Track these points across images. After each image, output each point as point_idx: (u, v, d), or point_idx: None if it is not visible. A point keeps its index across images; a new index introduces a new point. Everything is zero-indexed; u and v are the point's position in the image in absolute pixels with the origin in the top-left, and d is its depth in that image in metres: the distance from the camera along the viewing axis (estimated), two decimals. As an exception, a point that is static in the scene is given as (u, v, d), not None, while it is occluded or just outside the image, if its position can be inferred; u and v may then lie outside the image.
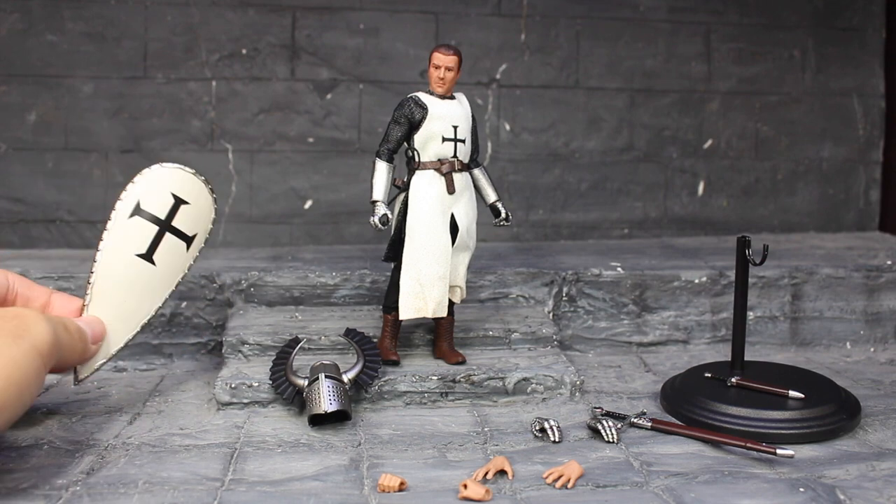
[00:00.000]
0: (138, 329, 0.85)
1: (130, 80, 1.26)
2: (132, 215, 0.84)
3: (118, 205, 0.84)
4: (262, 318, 1.03)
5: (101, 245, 0.84)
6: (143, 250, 0.84)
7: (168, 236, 0.85)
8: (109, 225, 0.84)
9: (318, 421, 0.84)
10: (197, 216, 0.87)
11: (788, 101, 1.42)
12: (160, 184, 0.85)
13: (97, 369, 0.84)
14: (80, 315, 0.83)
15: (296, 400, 0.87)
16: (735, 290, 0.93)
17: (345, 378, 0.86)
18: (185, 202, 0.86)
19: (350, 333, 0.94)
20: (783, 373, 0.95)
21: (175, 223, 0.85)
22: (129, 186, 0.85)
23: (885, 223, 1.45)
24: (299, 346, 0.92)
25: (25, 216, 1.26)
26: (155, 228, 0.85)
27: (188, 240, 0.87)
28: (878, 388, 0.98)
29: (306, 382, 0.85)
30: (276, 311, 1.06)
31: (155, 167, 0.86)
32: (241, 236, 1.30)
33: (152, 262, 0.84)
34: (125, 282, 0.84)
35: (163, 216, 0.85)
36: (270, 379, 0.88)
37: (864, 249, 1.28)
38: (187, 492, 0.70)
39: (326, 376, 0.84)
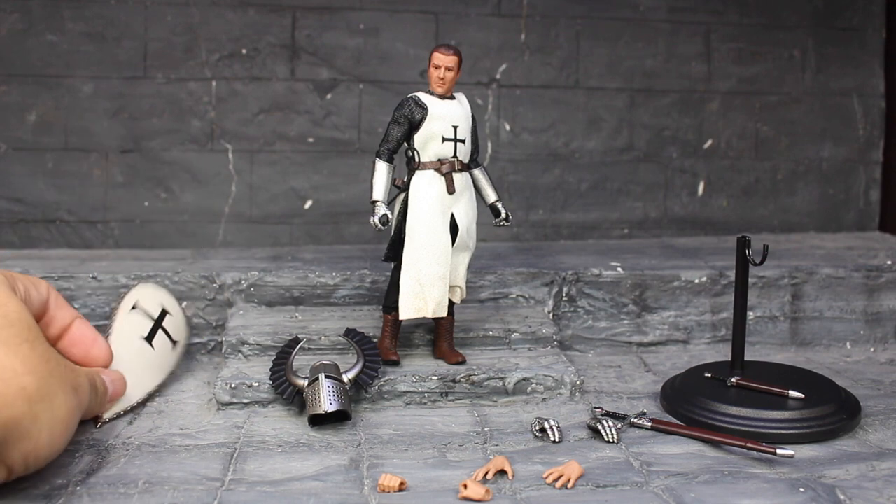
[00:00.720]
0: (142, 397, 0.90)
1: (130, 80, 1.26)
2: (132, 309, 0.96)
3: (121, 302, 0.97)
4: (262, 318, 1.03)
5: (113, 327, 0.93)
6: (146, 335, 0.94)
7: (160, 332, 0.96)
8: (116, 315, 0.95)
9: (318, 421, 0.84)
10: (178, 326, 0.99)
11: (788, 101, 1.42)
12: (151, 293, 0.99)
13: (112, 419, 0.86)
14: (99, 350, 0.87)
15: (296, 400, 0.87)
16: (735, 290, 0.93)
17: (345, 378, 0.86)
18: (169, 313, 0.98)
19: (350, 333, 0.94)
20: (783, 373, 0.95)
21: (164, 324, 0.97)
22: (129, 291, 0.99)
23: (885, 223, 1.45)
24: (299, 346, 0.92)
25: (25, 216, 1.26)
26: (150, 322, 0.96)
27: (174, 342, 0.98)
28: (878, 388, 0.98)
29: (306, 382, 0.85)
30: (276, 311, 1.06)
31: (147, 284, 1.01)
32: (241, 236, 1.30)
33: (152, 346, 0.94)
34: (136, 355, 0.92)
35: (154, 316, 0.96)
36: (270, 379, 0.88)
37: (864, 249, 1.28)
38: (187, 492, 0.70)
39: (326, 376, 0.84)
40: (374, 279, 1.09)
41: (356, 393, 0.88)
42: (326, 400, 0.83)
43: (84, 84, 1.26)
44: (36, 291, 0.81)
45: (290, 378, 0.87)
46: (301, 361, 0.92)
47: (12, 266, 1.08)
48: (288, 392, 0.86)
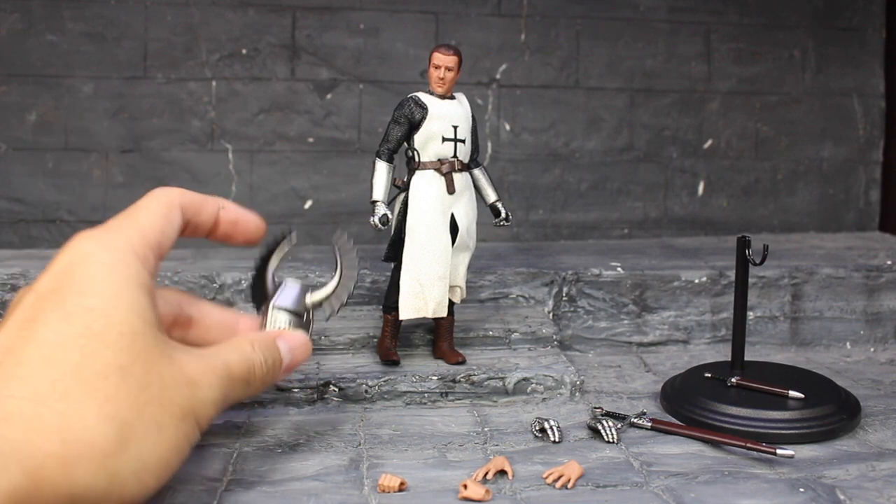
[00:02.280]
0: None
1: (130, 80, 1.26)
2: None
3: None
4: (262, 318, 1.03)
5: None
6: None
7: None
8: None
9: None
10: None
11: (788, 101, 1.42)
12: None
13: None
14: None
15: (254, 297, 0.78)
16: (735, 290, 0.93)
17: (308, 299, 0.77)
18: None
19: (341, 240, 0.81)
20: (783, 373, 0.95)
21: None
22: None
23: (885, 223, 1.45)
24: (282, 243, 0.80)
25: (25, 216, 1.26)
26: None
27: None
28: (878, 388, 0.98)
29: (270, 292, 0.76)
30: (276, 311, 1.05)
31: None
32: (241, 236, 1.30)
33: None
34: None
35: None
36: (252, 274, 0.78)
37: (864, 249, 1.28)
38: (187, 492, 0.70)
39: (277, 307, 0.75)
40: (374, 279, 1.09)
41: (327, 316, 0.79)
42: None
43: (84, 84, 1.26)
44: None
45: (266, 284, 0.77)
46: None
47: (12, 266, 1.08)
48: (258, 300, 0.77)
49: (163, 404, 0.56)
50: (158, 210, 0.65)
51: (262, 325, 0.74)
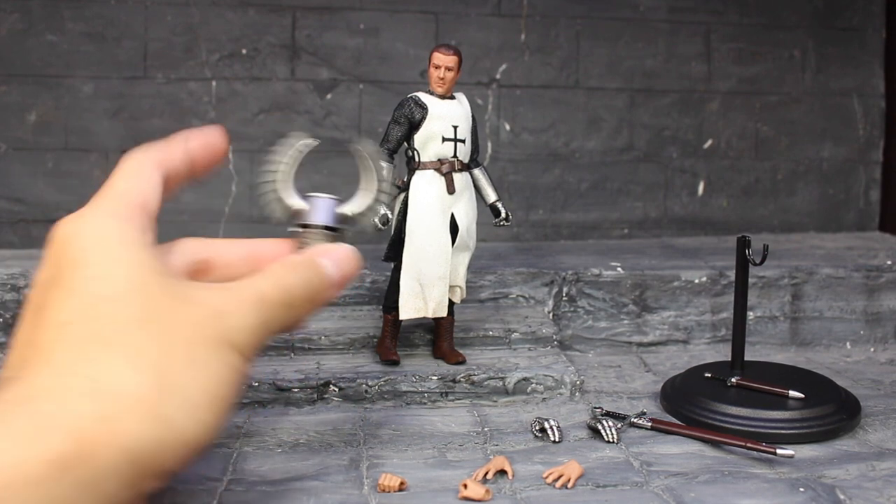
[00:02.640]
0: None
1: (130, 80, 1.26)
2: None
3: None
4: (262, 318, 1.03)
5: None
6: None
7: None
8: None
9: None
10: None
11: (788, 101, 1.42)
12: None
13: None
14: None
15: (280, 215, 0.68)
16: (735, 290, 0.93)
17: (343, 213, 0.70)
18: None
19: (370, 148, 0.72)
20: (783, 373, 0.95)
21: None
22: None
23: (885, 223, 1.45)
24: (297, 146, 0.69)
25: (25, 216, 1.26)
26: None
27: None
28: (878, 388, 0.98)
29: (300, 208, 0.68)
30: (276, 311, 1.05)
31: None
32: (241, 236, 1.30)
33: None
34: None
35: None
36: (265, 175, 0.68)
37: (864, 249, 1.28)
38: (187, 492, 0.70)
39: (311, 226, 0.68)
40: (374, 279, 1.09)
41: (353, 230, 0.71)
42: None
43: (84, 84, 1.26)
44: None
45: (281, 190, 0.68)
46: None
47: (12, 266, 1.08)
48: (272, 206, 0.69)
49: (192, 340, 0.53)
50: (131, 174, 0.62)
51: (297, 246, 0.68)
